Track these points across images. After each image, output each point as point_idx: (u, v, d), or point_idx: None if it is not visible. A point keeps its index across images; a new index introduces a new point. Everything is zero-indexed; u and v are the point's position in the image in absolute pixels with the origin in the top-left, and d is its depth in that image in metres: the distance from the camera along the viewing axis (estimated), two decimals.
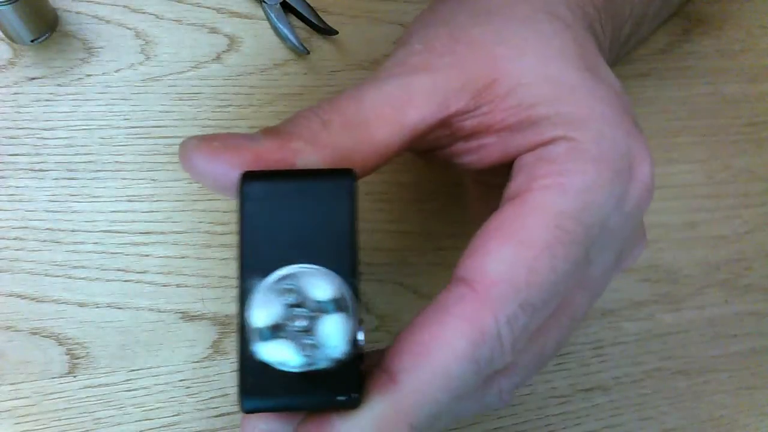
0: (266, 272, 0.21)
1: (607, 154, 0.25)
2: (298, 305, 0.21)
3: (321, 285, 0.21)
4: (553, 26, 0.27)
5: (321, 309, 0.21)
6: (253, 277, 0.21)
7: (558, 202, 0.24)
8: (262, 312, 0.21)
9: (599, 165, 0.25)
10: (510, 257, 0.23)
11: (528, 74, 0.26)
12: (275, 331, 0.21)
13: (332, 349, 0.21)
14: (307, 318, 0.21)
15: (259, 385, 0.22)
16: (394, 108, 0.25)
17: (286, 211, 0.22)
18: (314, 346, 0.21)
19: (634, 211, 0.26)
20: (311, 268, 0.22)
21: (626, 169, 0.26)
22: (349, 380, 0.22)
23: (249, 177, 0.22)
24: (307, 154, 0.23)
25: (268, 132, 0.24)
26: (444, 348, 0.22)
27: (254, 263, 0.22)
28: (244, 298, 0.22)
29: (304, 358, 0.21)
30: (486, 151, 0.27)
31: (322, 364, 0.21)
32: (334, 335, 0.21)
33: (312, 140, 0.24)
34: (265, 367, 0.21)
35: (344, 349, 0.21)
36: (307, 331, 0.21)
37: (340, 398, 0.22)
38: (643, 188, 0.26)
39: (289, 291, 0.21)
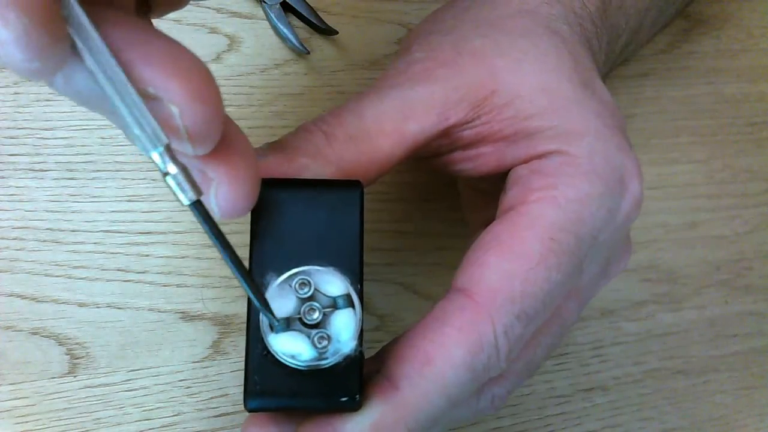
0: (280, 271, 0.22)
1: (600, 168, 0.26)
2: (311, 299, 0.22)
3: (333, 281, 0.22)
4: (551, 41, 0.28)
5: (333, 304, 0.22)
6: (267, 275, 0.22)
7: (552, 215, 0.25)
8: (277, 304, 0.22)
9: (592, 178, 0.25)
10: (507, 269, 0.24)
11: (525, 86, 0.26)
12: (289, 323, 0.22)
13: (343, 344, 0.22)
14: (319, 311, 0.22)
15: (263, 385, 0.22)
16: (394, 121, 0.25)
17: (297, 217, 0.23)
18: (327, 339, 0.21)
19: (623, 223, 0.27)
20: (323, 268, 0.22)
21: (618, 183, 0.26)
22: (351, 383, 0.22)
23: (263, 183, 0.23)
24: (312, 169, 0.24)
25: (274, 147, 0.25)
26: (444, 357, 0.23)
27: (268, 263, 0.23)
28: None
29: (316, 351, 0.21)
30: (483, 160, 0.27)
31: (332, 360, 0.22)
32: (346, 328, 0.22)
33: (316, 155, 0.24)
34: (271, 368, 0.22)
35: (354, 345, 0.22)
36: (319, 325, 0.22)
37: (342, 400, 0.22)
38: (633, 202, 0.27)
39: (303, 285, 0.22)
